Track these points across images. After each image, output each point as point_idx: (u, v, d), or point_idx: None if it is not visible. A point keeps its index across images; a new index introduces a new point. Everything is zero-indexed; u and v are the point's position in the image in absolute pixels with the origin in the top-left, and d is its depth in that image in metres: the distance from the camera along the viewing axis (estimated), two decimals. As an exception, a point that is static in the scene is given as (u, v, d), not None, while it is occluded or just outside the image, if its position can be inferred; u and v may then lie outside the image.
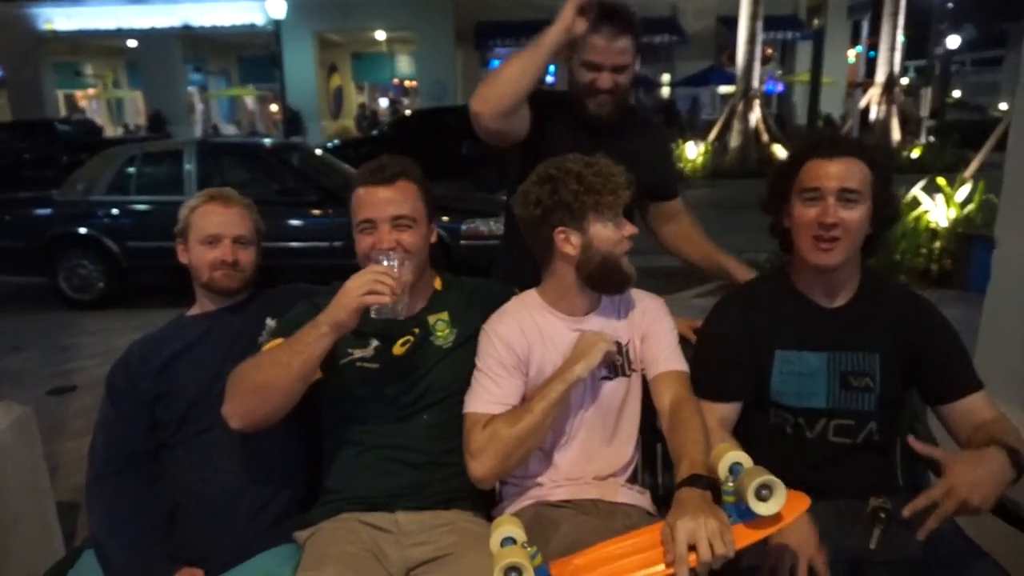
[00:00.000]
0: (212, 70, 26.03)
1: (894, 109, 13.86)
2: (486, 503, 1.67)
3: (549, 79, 24.14)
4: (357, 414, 1.58)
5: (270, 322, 1.71)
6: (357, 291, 1.38)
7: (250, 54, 23.73)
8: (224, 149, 7.26)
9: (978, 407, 1.51)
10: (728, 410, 1.58)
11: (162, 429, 1.62)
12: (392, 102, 24.23)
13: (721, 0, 20.41)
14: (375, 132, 16.46)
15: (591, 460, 1.60)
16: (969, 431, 1.49)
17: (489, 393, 1.51)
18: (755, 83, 14.06)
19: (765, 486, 1.16)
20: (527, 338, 1.57)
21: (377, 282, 1.37)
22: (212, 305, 1.73)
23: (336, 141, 15.58)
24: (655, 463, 1.74)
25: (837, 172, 1.46)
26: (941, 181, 6.53)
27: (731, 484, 1.22)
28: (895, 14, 13.70)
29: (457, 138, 14.43)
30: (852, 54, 25.79)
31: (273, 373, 1.42)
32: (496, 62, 24.92)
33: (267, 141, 8.33)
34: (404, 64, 24.69)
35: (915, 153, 13.92)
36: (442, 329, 1.63)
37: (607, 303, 1.63)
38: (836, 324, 1.55)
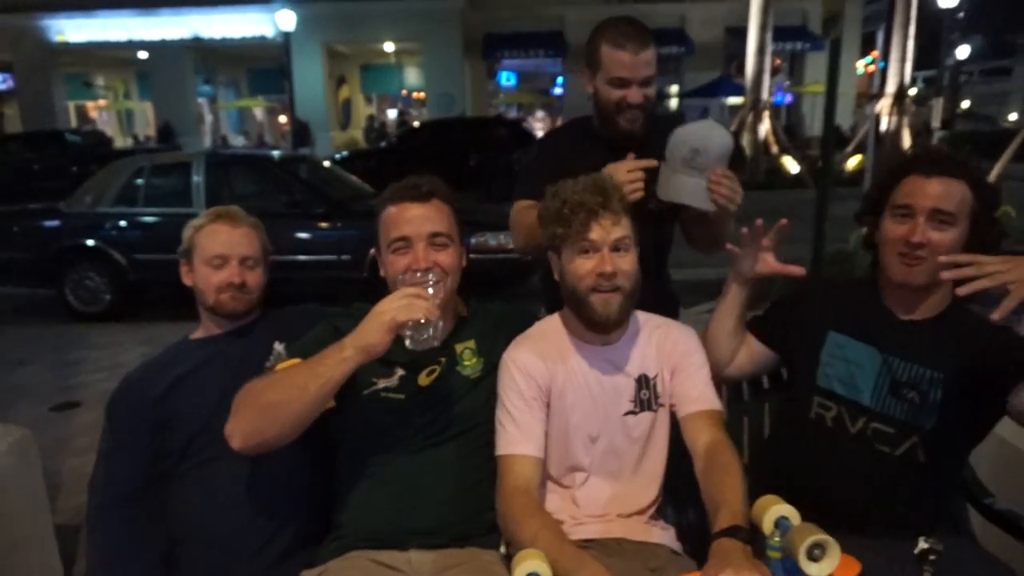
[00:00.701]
0: (221, 81, 26.16)
1: (905, 120, 13.75)
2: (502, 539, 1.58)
3: (557, 91, 24.18)
4: (377, 446, 1.50)
5: (278, 346, 1.63)
6: (391, 312, 1.28)
7: (259, 65, 23.84)
8: (232, 161, 7.23)
9: None
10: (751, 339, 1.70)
11: (164, 459, 1.54)
12: (401, 113, 24.25)
13: (729, 10, 20.36)
14: (383, 144, 16.49)
15: (615, 497, 1.51)
16: None
17: (514, 432, 1.45)
18: (764, 94, 13.98)
19: (818, 545, 1.06)
20: (547, 365, 1.49)
21: (413, 303, 1.28)
22: (217, 328, 1.66)
23: (344, 153, 15.58)
24: (680, 499, 1.64)
25: (933, 192, 1.42)
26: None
27: (778, 539, 1.13)
28: (906, 24, 13.61)
29: (465, 149, 14.54)
30: (860, 65, 25.72)
31: (287, 394, 1.32)
32: (504, 74, 25.02)
33: (275, 153, 8.32)
34: (412, 75, 24.76)
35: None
36: (469, 358, 1.55)
37: (635, 332, 1.55)
38: (903, 333, 1.51)
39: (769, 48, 13.92)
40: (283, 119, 26.10)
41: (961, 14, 20.59)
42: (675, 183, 1.68)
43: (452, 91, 21.06)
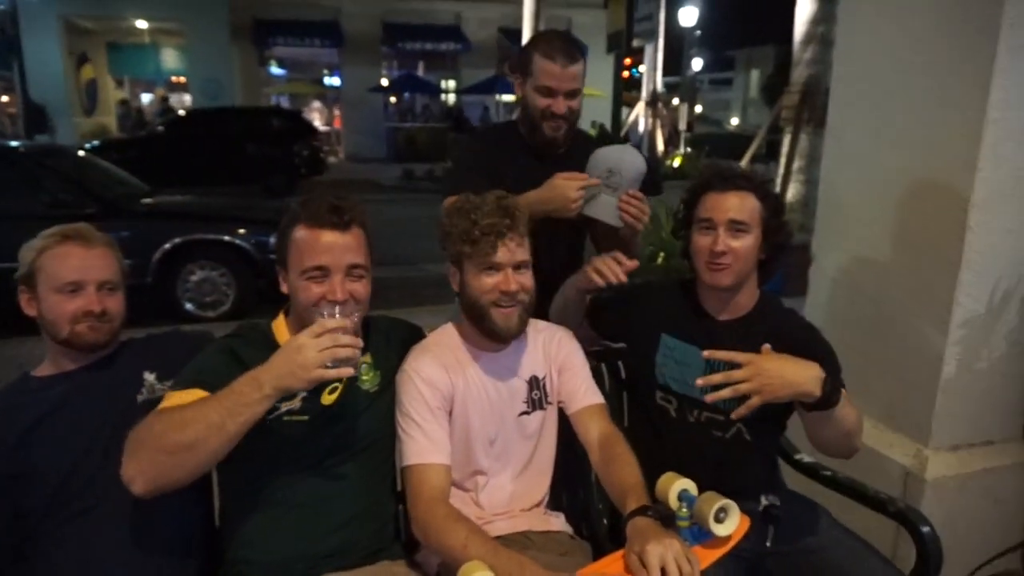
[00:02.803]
0: (-80, 52, 21.68)
1: (659, 122, 15.45)
2: (408, 547, 1.60)
3: (333, 81, 23.44)
4: (277, 472, 1.43)
5: (149, 376, 1.49)
6: (317, 359, 1.21)
7: (-27, 36, 20.12)
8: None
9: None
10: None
11: (24, 518, 1.34)
12: (163, 99, 21.89)
13: (503, 13, 21.21)
14: (144, 133, 14.82)
15: (515, 494, 1.61)
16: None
17: (424, 441, 1.46)
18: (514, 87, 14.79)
19: (723, 509, 1.26)
20: (449, 375, 1.54)
21: (338, 352, 1.22)
22: (71, 363, 1.47)
23: (95, 142, 13.78)
24: (571, 486, 1.78)
25: (728, 205, 1.62)
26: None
27: (685, 510, 1.30)
28: (657, 38, 15.28)
29: (240, 140, 13.61)
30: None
31: (202, 434, 1.21)
32: (274, 67, 23.68)
33: (21, 143, 7.17)
34: (171, 58, 22.42)
35: (676, 162, 15.66)
36: (367, 372, 1.54)
37: (523, 337, 1.64)
38: (719, 334, 1.70)
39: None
40: (6, 99, 22.31)
41: (698, 32, 23.50)
42: (591, 200, 1.82)
43: (220, 77, 19.52)
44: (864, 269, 2.35)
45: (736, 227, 1.61)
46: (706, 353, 1.55)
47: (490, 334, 1.53)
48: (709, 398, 1.48)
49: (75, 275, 1.43)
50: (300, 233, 1.43)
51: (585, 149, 1.97)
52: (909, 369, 2.20)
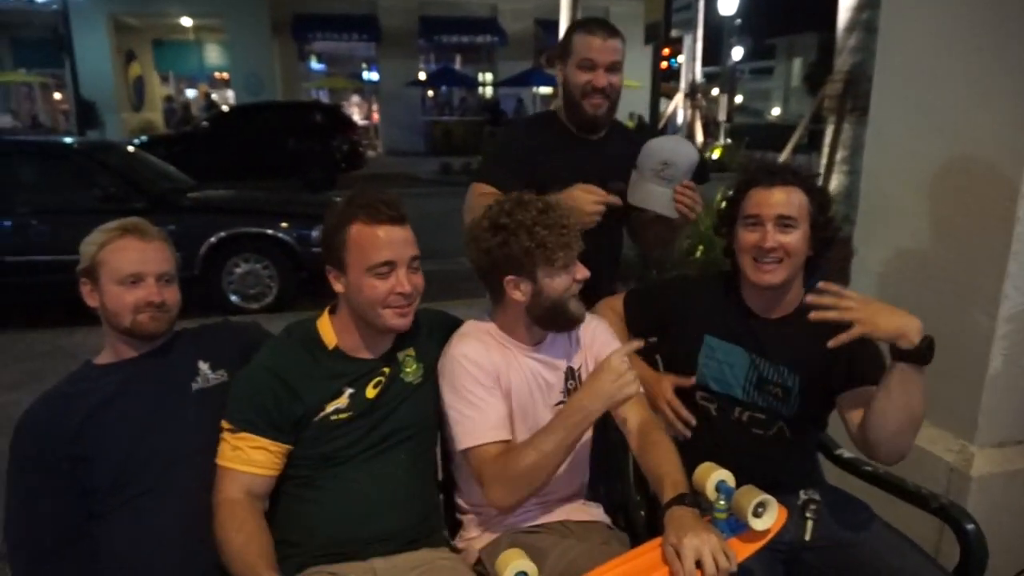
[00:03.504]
0: (-24, 52, 22.47)
1: (697, 113, 15.25)
2: (449, 533, 1.64)
3: (372, 76, 23.62)
4: (327, 464, 1.49)
5: (203, 365, 1.56)
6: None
7: (27, 34, 20.76)
8: (22, 148, 6.32)
9: None
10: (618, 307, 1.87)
11: (88, 497, 1.41)
12: (206, 95, 22.35)
13: (537, 5, 21.13)
14: (190, 128, 15.17)
15: (554, 483, 1.62)
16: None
17: (480, 420, 1.48)
18: (556, 78, 14.70)
19: (761, 504, 1.26)
20: (493, 358, 1.56)
21: None
22: (131, 351, 1.53)
23: (144, 138, 14.15)
24: (610, 477, 1.80)
25: (776, 200, 1.60)
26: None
27: (723, 502, 1.31)
28: (695, 28, 15.06)
29: (282, 135, 13.84)
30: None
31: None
32: (313, 61, 23.98)
33: (74, 140, 7.41)
34: (214, 54, 22.89)
35: (715, 154, 15.44)
36: (410, 365, 1.57)
37: None
38: (766, 333, 1.70)
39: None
40: (58, 96, 23.03)
41: (738, 20, 23.08)
42: (645, 191, 1.84)
43: (261, 73, 19.86)
44: (907, 262, 2.30)
45: (784, 222, 1.59)
46: (812, 309, 1.44)
47: (564, 325, 1.58)
48: (813, 316, 1.42)
49: (135, 267, 1.48)
50: (358, 230, 1.43)
51: (623, 138, 1.98)
52: (954, 364, 2.15)
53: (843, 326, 1.42)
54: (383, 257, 1.42)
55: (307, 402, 1.45)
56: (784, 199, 1.60)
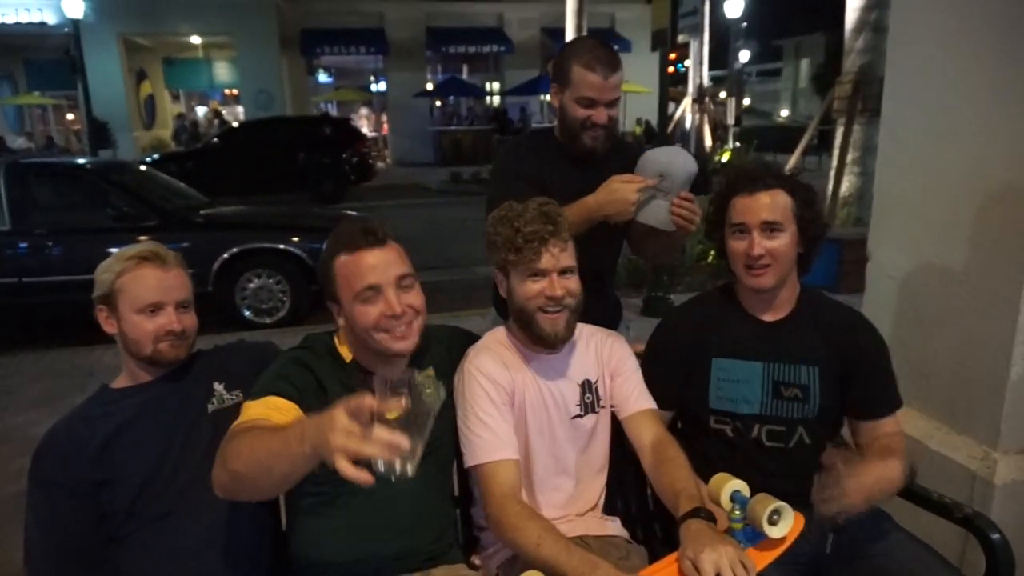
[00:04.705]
0: (-8, 74, 22.81)
1: (706, 117, 15.20)
2: (466, 550, 1.64)
3: (380, 87, 23.77)
4: (338, 478, 1.46)
5: (218, 386, 1.56)
6: (338, 445, 1.01)
7: (40, 56, 21.06)
8: (40, 170, 6.39)
9: (888, 423, 1.71)
10: (665, 417, 1.74)
11: (108, 521, 1.42)
12: (216, 112, 22.56)
13: (544, 12, 21.22)
14: (200, 145, 15.32)
15: (571, 497, 1.63)
16: (869, 441, 1.71)
17: (491, 438, 1.48)
18: (549, 95, 14.72)
19: (776, 512, 1.25)
20: (509, 370, 1.57)
21: (363, 446, 1.01)
22: (147, 376, 1.55)
23: (155, 156, 14.31)
24: (625, 490, 1.79)
25: (759, 206, 1.60)
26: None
27: (738, 512, 1.30)
28: (702, 32, 15.04)
29: (292, 149, 13.97)
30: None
31: (253, 471, 1.19)
32: (322, 75, 24.16)
33: (88, 160, 7.51)
34: (224, 71, 23.14)
35: (724, 157, 15.39)
36: (430, 386, 1.57)
37: (573, 340, 1.65)
38: (773, 336, 1.69)
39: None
40: (71, 117, 23.30)
41: (744, 23, 23.07)
42: (641, 204, 1.80)
43: (270, 88, 20.03)
44: (923, 266, 2.28)
45: (770, 227, 1.60)
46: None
47: (538, 339, 1.56)
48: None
49: (155, 296, 1.49)
50: (341, 261, 1.44)
51: (622, 153, 1.96)
52: (975, 369, 2.13)
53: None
54: (366, 282, 1.42)
55: (330, 397, 1.42)
56: (768, 204, 1.60)
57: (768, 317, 1.71)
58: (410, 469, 1.06)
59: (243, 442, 1.24)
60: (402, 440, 1.02)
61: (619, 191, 1.78)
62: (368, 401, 1.04)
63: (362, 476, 1.00)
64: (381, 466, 1.03)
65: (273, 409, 1.34)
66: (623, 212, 1.79)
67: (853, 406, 1.72)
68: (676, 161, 1.81)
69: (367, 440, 1.00)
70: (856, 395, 1.70)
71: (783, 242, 1.61)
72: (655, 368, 1.74)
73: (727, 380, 1.70)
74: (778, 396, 1.68)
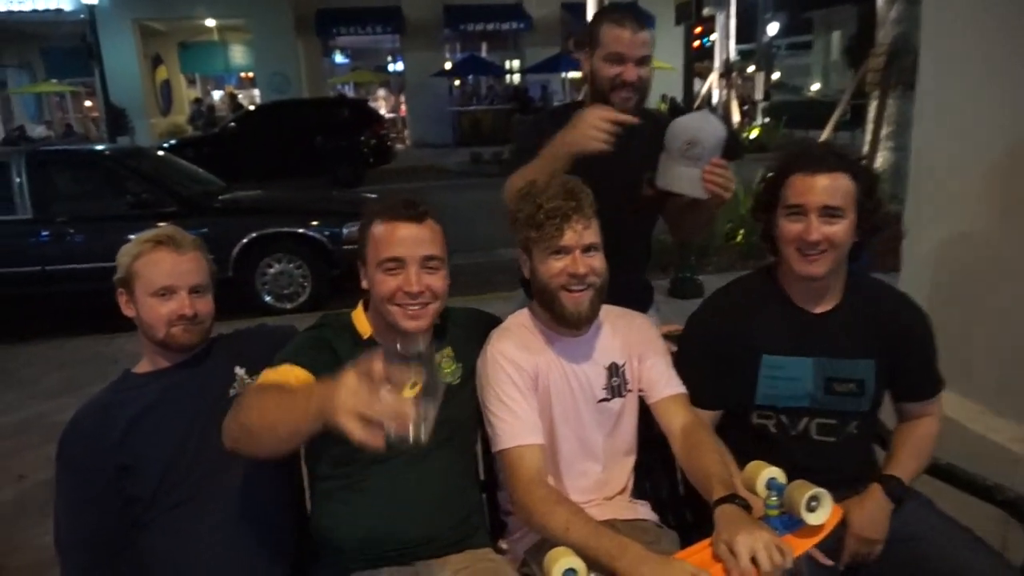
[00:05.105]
0: (10, 63, 23.15)
1: (733, 93, 15.01)
2: (492, 534, 1.64)
3: (396, 67, 23.72)
4: (360, 462, 1.49)
5: (239, 371, 1.58)
6: (343, 403, 1.01)
7: (56, 44, 21.33)
8: (59, 158, 6.50)
9: (930, 406, 1.69)
10: (708, 417, 1.67)
11: (132, 506, 1.45)
12: (231, 96, 22.68)
13: (563, -13, 21.00)
14: (216, 129, 15.43)
15: (599, 481, 1.62)
16: (908, 419, 1.70)
17: (516, 423, 1.49)
18: (580, 65, 14.56)
19: (814, 498, 1.24)
20: (533, 356, 1.56)
21: (373, 410, 1.00)
22: (166, 361, 1.57)
23: (172, 141, 14.43)
24: (654, 474, 1.78)
25: (820, 188, 1.51)
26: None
27: (774, 499, 1.29)
28: (728, 4, 14.81)
29: (309, 132, 14.00)
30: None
31: (258, 428, 1.22)
32: (338, 56, 24.15)
33: (106, 147, 7.61)
34: (239, 54, 23.25)
35: (753, 134, 15.18)
36: (448, 365, 1.58)
37: (599, 322, 1.64)
38: (824, 330, 1.63)
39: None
40: (89, 104, 23.60)
41: (772, -6, 22.66)
42: (673, 173, 1.78)
43: (286, 70, 20.09)
44: (962, 243, 2.23)
45: (830, 212, 1.51)
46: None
47: (561, 319, 1.54)
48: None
49: (167, 280, 1.51)
50: (377, 228, 1.48)
51: (655, 125, 1.94)
52: (1017, 350, 2.08)
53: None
54: (392, 253, 1.45)
55: None
56: (829, 186, 1.51)
57: (817, 308, 1.64)
58: (424, 435, 1.05)
59: (256, 397, 1.27)
60: (407, 406, 1.01)
61: (587, 118, 1.70)
62: (377, 365, 1.03)
63: (372, 437, 1.00)
64: (392, 432, 1.02)
65: (290, 375, 1.37)
66: (587, 138, 1.69)
67: (899, 388, 1.70)
68: (706, 127, 1.77)
69: (373, 402, 1.00)
70: (903, 379, 1.67)
71: (841, 229, 1.52)
72: (695, 368, 1.67)
73: (776, 377, 1.64)
74: (830, 392, 1.63)
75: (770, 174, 1.64)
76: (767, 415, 1.68)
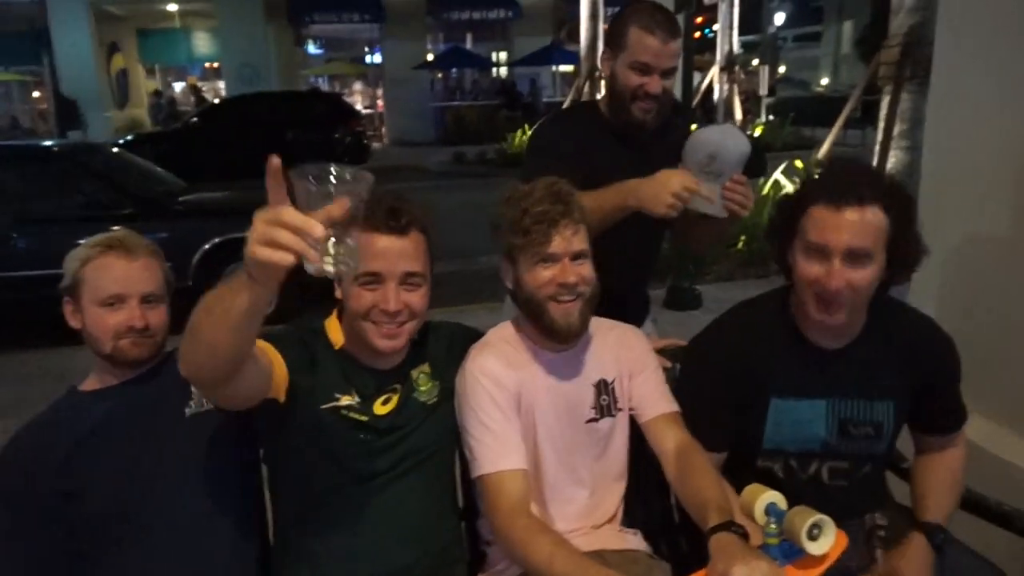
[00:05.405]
0: (-49, 50, 22.98)
1: (735, 88, 15.09)
2: (472, 566, 1.64)
3: (375, 59, 23.69)
4: (329, 489, 1.49)
5: (196, 389, 1.56)
6: (253, 241, 1.03)
7: (3, 29, 21.17)
8: (3, 154, 6.46)
9: (954, 439, 1.68)
10: (714, 459, 1.61)
11: (77, 536, 1.42)
12: (194, 88, 22.59)
13: (555, -26, 21.12)
14: (178, 124, 15.37)
15: (586, 508, 1.62)
16: (929, 452, 1.68)
17: (496, 446, 1.48)
18: (599, 62, 14.62)
19: (816, 525, 1.24)
20: (515, 370, 1.56)
21: (275, 237, 1.00)
22: (115, 378, 1.55)
23: (129, 137, 14.35)
24: (648, 499, 1.78)
25: (846, 227, 1.39)
26: (799, 163, 7.24)
27: (773, 526, 1.29)
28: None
29: (278, 128, 13.96)
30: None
31: (197, 318, 1.16)
32: (312, 46, 24.10)
33: (55, 143, 7.56)
34: (204, 43, 23.17)
35: (757, 132, 15.28)
36: (425, 383, 1.57)
37: (588, 336, 1.64)
38: (839, 368, 1.58)
39: (602, 13, 14.62)
40: (38, 95, 23.45)
41: (778, -18, 22.89)
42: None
43: (255, 61, 20.05)
44: (981, 249, 2.25)
45: (855, 255, 1.40)
46: None
47: (549, 332, 1.54)
48: None
49: (117, 288, 1.49)
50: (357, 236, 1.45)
51: (673, 131, 1.94)
52: (1036, 364, 2.10)
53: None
54: (369, 267, 1.42)
55: (318, 378, 1.46)
56: (857, 224, 1.38)
57: (833, 344, 1.57)
58: (346, 264, 1.05)
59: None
60: (313, 224, 0.99)
61: (669, 183, 1.68)
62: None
63: (275, 255, 0.99)
64: (309, 265, 1.02)
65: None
66: (662, 204, 1.68)
67: (921, 421, 1.68)
68: (727, 143, 1.76)
69: (281, 222, 0.99)
70: (926, 412, 1.65)
71: (867, 275, 1.41)
72: (699, 407, 1.63)
73: (787, 422, 1.60)
74: (845, 434, 1.60)
75: (787, 200, 1.57)
76: (774, 458, 1.65)
